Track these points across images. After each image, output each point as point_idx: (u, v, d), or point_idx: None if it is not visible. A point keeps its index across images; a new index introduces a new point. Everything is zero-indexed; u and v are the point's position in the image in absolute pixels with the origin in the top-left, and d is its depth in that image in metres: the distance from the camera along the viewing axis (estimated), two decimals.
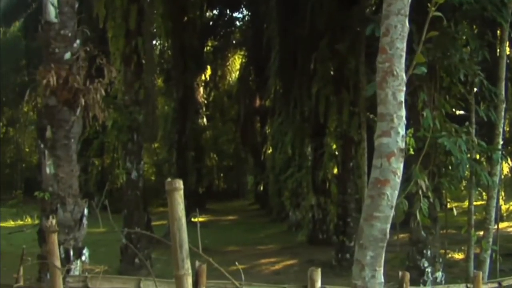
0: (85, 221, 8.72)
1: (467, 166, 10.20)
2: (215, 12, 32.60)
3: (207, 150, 37.68)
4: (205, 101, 36.70)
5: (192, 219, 23.08)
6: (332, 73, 16.45)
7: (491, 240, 12.36)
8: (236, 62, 38.83)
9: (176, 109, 21.77)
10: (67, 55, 8.40)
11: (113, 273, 14.33)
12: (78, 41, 8.56)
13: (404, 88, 4.37)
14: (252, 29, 29.90)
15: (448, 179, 10.81)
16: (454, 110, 11.37)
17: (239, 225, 28.34)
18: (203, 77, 34.05)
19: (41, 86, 8.23)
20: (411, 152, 8.90)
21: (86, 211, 8.74)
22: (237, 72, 38.05)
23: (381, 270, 4.34)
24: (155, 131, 18.03)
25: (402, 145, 4.25)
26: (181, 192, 3.54)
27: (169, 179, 3.57)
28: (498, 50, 12.66)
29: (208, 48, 33.11)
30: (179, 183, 3.53)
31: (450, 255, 17.46)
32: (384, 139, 4.25)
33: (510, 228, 22.87)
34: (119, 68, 13.92)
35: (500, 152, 11.33)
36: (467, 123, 11.07)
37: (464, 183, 14.72)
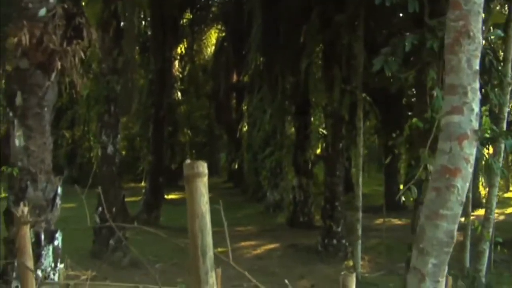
0: (58, 201, 7.73)
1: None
2: None
3: (181, 126, 36.71)
4: (180, 75, 35.72)
5: (166, 196, 22.31)
6: (323, 47, 15.46)
7: (491, 230, 11.73)
8: (212, 36, 37.88)
9: (154, 81, 20.72)
10: (42, 12, 7.32)
11: (86, 255, 13.38)
12: None
13: (479, 54, 3.50)
14: (231, 1, 28.85)
15: None
16: None
17: (213, 204, 27.45)
18: (178, 51, 32.97)
19: (12, 46, 7.16)
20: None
21: (60, 190, 7.74)
22: (213, 47, 37.12)
23: (443, 281, 3.48)
24: (131, 103, 17.02)
25: (476, 125, 3.37)
26: (205, 178, 2.63)
27: (188, 161, 2.66)
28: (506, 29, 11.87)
29: (184, 21, 31.92)
30: (203, 167, 2.61)
31: None
32: (455, 117, 3.36)
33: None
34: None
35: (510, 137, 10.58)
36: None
37: None
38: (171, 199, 25.91)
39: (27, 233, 3.91)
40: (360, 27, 12.20)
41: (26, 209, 3.94)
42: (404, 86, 13.67)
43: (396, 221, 22.58)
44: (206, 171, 2.61)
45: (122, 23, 13.76)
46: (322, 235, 15.59)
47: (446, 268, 3.47)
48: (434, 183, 3.41)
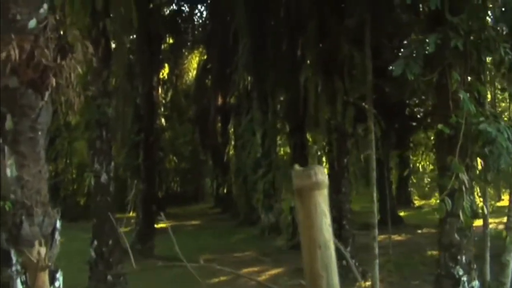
0: (57, 236, 6.78)
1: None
2: (173, 7, 30.66)
3: (167, 152, 35.91)
4: (163, 101, 35.09)
5: (155, 225, 21.42)
6: (321, 59, 14.71)
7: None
8: (193, 60, 37.44)
9: (141, 106, 19.91)
10: (32, 23, 6.46)
11: None
12: (45, 6, 6.61)
13: None
14: (212, 23, 28.29)
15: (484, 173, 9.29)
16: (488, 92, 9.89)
17: (205, 230, 26.72)
18: (160, 76, 32.29)
19: None
20: None
21: (58, 223, 6.81)
22: (194, 71, 36.65)
23: None
24: (124, 127, 16.32)
25: None
26: (326, 191, 1.83)
27: (296, 166, 1.86)
28: None
29: (165, 45, 31.29)
30: (322, 174, 1.81)
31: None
32: None
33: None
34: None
35: None
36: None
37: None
38: (161, 228, 25.03)
39: (46, 281, 3.04)
40: (366, 34, 11.51)
41: (43, 250, 3.03)
42: (417, 92, 13.00)
43: (396, 237, 21.96)
44: (327, 180, 1.80)
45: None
46: None
47: None
48: None
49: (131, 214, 23.85)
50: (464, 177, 8.14)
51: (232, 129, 32.03)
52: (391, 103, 15.71)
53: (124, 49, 14.19)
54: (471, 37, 8.58)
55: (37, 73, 6.40)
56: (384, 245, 17.76)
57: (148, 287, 13.27)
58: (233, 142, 32.01)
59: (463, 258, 9.70)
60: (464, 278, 9.62)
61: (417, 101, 17.73)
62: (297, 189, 1.79)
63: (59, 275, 6.84)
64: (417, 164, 35.88)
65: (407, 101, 18.07)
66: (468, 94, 8.59)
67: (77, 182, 33.35)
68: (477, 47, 8.91)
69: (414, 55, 8.37)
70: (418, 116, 20.07)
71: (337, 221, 14.82)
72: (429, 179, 38.71)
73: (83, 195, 31.54)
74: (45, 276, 3.10)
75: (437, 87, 9.70)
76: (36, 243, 3.24)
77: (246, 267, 16.36)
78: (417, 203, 36.07)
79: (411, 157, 32.58)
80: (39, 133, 6.67)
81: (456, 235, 9.52)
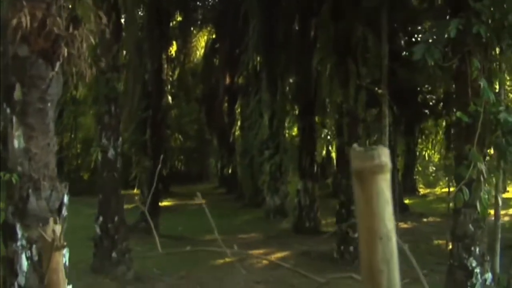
0: (65, 211, 6.63)
1: None
2: None
3: (172, 130, 35.74)
4: (170, 79, 34.82)
5: (159, 204, 21.28)
6: (334, 41, 14.44)
7: None
8: (201, 39, 37.09)
9: (149, 83, 19.65)
10: None
11: (86, 269, 12.30)
12: None
13: None
14: (222, 2, 28.04)
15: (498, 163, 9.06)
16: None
17: (209, 211, 26.49)
18: (168, 54, 32.00)
19: (9, 31, 6.10)
20: None
21: (66, 198, 6.65)
22: (202, 50, 36.29)
23: None
24: (132, 103, 16.18)
25: None
26: (389, 175, 1.60)
27: (355, 146, 1.63)
28: None
29: (173, 23, 30.98)
30: (386, 155, 1.58)
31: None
32: None
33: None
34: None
35: None
36: None
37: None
38: (165, 206, 24.91)
39: (61, 263, 2.82)
40: (383, 16, 11.21)
41: (58, 228, 2.79)
42: (432, 78, 12.74)
43: (402, 225, 21.82)
44: (389, 162, 1.58)
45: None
46: (338, 241, 14.59)
47: None
48: None
49: (136, 191, 23.73)
50: (482, 166, 7.94)
51: (239, 110, 31.81)
52: (403, 89, 15.44)
53: (135, 24, 13.96)
54: (493, 24, 8.31)
55: (48, 42, 6.20)
56: (396, 233, 17.65)
57: (152, 266, 13.10)
58: (239, 123, 31.80)
59: (477, 249, 9.48)
60: (477, 270, 9.41)
61: (429, 88, 17.39)
62: (356, 172, 1.57)
63: (65, 251, 6.67)
64: (423, 152, 35.69)
65: (419, 88, 17.74)
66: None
67: (82, 157, 33.28)
68: (498, 35, 8.65)
69: (433, 39, 8.12)
70: (431, 103, 19.76)
71: (345, 207, 14.70)
72: (434, 168, 38.62)
73: (88, 170, 31.48)
74: (60, 257, 2.86)
75: (456, 74, 9.46)
76: (51, 220, 2.94)
77: (252, 249, 16.20)
78: (422, 191, 35.93)
79: (417, 145, 32.41)
80: (49, 104, 6.48)
81: (470, 226, 9.29)
